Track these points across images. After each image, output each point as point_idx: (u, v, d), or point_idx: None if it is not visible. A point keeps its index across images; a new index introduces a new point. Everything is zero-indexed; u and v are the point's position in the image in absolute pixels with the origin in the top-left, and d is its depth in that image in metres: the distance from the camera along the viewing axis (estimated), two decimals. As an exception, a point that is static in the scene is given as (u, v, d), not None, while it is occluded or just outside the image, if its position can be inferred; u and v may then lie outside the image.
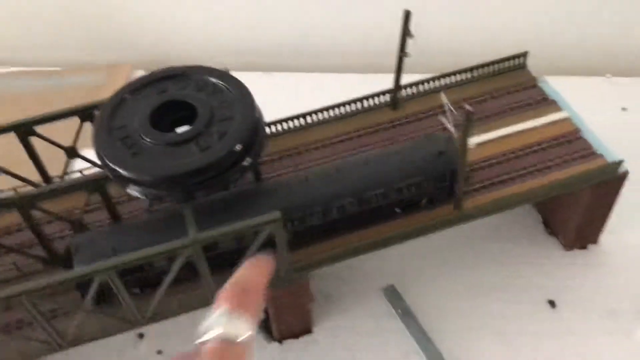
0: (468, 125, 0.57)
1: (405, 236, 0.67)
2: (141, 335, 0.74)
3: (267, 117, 0.77)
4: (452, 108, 0.59)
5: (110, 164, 0.56)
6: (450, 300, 0.76)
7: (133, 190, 0.57)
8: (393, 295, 0.77)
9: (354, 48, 1.12)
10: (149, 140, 0.57)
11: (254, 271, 0.37)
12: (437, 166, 0.65)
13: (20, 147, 0.66)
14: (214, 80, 0.61)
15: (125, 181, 0.56)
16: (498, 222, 0.82)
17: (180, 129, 0.60)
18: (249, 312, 0.34)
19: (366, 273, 0.79)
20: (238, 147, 0.56)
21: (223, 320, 0.33)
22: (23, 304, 0.53)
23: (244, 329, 0.33)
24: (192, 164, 0.54)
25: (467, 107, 0.56)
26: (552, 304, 0.75)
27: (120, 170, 0.55)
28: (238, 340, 0.33)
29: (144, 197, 0.57)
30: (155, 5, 1.09)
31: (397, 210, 0.67)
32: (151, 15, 1.10)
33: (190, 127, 0.58)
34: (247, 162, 0.58)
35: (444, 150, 0.65)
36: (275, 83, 1.07)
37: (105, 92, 0.64)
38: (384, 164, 0.65)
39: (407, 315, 0.74)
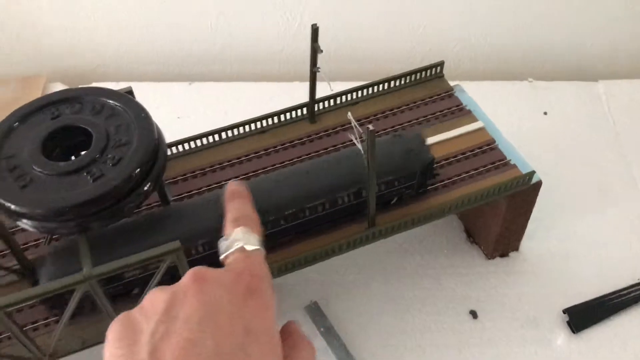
0: (372, 143, 0.56)
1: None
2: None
3: (191, 130, 0.75)
4: (357, 126, 0.58)
5: (-3, 198, 0.53)
6: (373, 315, 0.75)
7: (24, 225, 0.54)
8: (316, 313, 0.75)
9: (279, 55, 1.10)
10: (39, 170, 0.54)
11: (241, 202, 0.43)
12: (408, 164, 0.65)
13: None
14: (111, 102, 0.58)
15: (14, 215, 0.53)
16: (421, 232, 0.81)
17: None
18: (257, 231, 0.40)
19: (289, 290, 0.77)
20: (135, 173, 0.54)
21: (241, 236, 0.39)
22: None
23: (258, 243, 0.39)
24: (82, 195, 0.51)
25: (370, 126, 0.55)
26: (473, 314, 0.75)
27: (7, 204, 0.52)
28: (256, 249, 0.38)
29: (36, 231, 0.54)
30: (70, 13, 1.04)
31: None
32: (66, 23, 1.06)
33: (84, 154, 0.55)
34: (146, 187, 0.55)
35: (413, 148, 0.66)
36: (201, 93, 1.04)
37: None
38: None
39: (329, 334, 0.73)
